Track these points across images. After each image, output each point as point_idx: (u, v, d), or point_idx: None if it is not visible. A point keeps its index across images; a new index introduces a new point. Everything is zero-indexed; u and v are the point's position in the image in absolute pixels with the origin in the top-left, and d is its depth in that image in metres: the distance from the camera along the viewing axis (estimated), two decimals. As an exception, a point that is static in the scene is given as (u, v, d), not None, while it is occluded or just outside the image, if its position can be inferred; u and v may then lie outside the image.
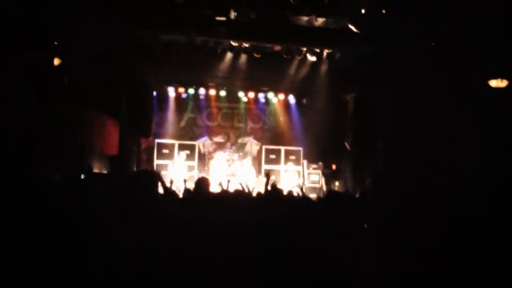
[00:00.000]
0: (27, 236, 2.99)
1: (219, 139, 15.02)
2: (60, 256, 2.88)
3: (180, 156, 13.58)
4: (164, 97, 14.73)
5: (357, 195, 6.09)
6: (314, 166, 14.25)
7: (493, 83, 9.53)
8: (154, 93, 14.39)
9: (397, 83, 10.30)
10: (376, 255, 3.09)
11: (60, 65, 9.04)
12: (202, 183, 5.13)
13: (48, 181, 4.16)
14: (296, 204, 3.97)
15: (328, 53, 11.90)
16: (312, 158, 14.40)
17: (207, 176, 9.06)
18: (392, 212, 3.76)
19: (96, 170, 10.35)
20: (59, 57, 8.99)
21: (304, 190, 13.13)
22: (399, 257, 3.13)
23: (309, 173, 14.16)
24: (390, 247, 3.27)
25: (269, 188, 6.02)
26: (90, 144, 11.23)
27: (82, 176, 8.77)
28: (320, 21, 10.62)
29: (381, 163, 10.23)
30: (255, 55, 11.78)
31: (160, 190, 4.24)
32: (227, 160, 13.92)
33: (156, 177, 3.72)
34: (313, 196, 12.16)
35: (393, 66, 10.22)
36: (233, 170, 13.58)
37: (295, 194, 7.63)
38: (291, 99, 15.21)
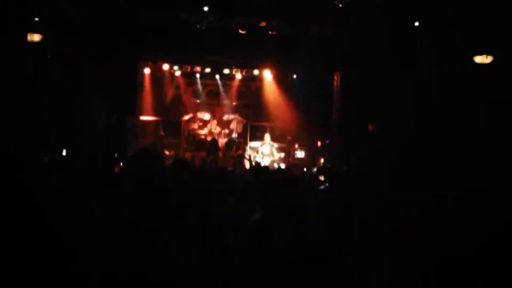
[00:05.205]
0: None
1: (204, 116, 14.94)
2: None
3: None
4: (149, 74, 14.56)
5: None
6: (299, 143, 14.28)
7: (478, 59, 9.55)
8: (139, 70, 14.21)
9: (382, 61, 10.28)
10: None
11: (41, 41, 8.87)
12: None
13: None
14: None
15: (315, 29, 11.79)
16: (297, 135, 14.41)
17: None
18: (376, 193, 3.82)
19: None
20: (40, 33, 8.81)
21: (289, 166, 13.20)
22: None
23: (294, 150, 14.19)
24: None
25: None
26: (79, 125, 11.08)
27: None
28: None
29: (367, 146, 10.24)
30: (240, 31, 11.64)
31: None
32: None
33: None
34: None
35: (378, 43, 10.19)
36: None
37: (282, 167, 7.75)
38: (278, 76, 15.11)
